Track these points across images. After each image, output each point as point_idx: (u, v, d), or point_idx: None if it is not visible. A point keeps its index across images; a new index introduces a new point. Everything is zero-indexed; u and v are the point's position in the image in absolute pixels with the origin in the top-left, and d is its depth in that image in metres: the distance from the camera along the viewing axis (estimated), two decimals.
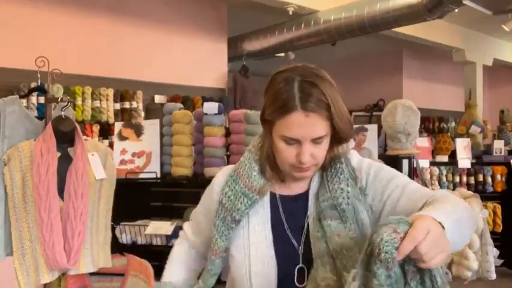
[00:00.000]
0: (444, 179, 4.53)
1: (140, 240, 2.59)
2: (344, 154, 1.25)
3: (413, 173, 3.28)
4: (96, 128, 4.49)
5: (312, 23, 5.74)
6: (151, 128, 2.72)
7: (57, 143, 1.91)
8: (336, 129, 1.18)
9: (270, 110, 1.18)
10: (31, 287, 1.86)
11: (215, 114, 2.47)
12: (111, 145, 3.04)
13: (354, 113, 8.10)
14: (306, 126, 1.14)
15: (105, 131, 4.53)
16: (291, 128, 1.15)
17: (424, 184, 3.56)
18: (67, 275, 1.98)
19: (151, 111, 4.95)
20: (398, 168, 2.99)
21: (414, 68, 8.81)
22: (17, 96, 1.98)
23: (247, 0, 5.35)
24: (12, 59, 4.06)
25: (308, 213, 1.22)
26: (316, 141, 1.16)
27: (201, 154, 2.56)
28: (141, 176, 2.67)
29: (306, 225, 1.21)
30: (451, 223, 0.98)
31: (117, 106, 4.68)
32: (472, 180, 4.65)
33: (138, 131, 2.75)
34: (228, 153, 2.56)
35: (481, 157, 5.18)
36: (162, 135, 2.69)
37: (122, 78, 4.83)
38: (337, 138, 1.21)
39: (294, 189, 1.27)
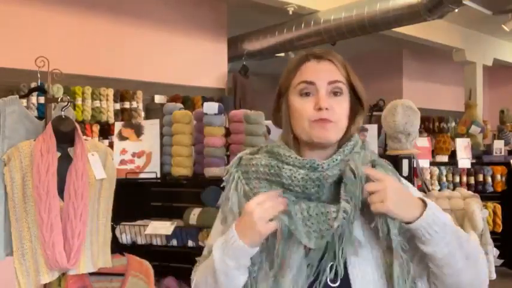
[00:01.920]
0: (444, 179, 4.53)
1: (140, 240, 2.59)
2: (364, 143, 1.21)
3: (413, 173, 3.28)
4: (96, 128, 4.49)
5: (312, 23, 5.74)
6: (151, 128, 2.72)
7: (57, 143, 1.91)
8: (355, 89, 1.16)
9: (285, 75, 1.19)
10: (31, 287, 1.86)
11: (215, 114, 2.47)
12: (111, 145, 3.03)
13: None
14: (321, 69, 1.14)
15: (105, 131, 4.54)
16: (305, 73, 1.15)
17: (424, 184, 3.55)
18: (67, 275, 1.98)
19: (151, 111, 4.95)
20: (399, 168, 2.99)
21: (414, 68, 8.81)
22: (17, 96, 1.98)
23: (247, 0, 5.35)
24: (12, 59, 4.06)
25: None
26: (333, 88, 1.13)
27: (201, 154, 2.56)
28: (141, 176, 2.67)
29: None
30: (440, 217, 1.04)
31: (117, 106, 4.68)
32: (472, 180, 4.65)
33: (138, 131, 2.75)
34: (228, 153, 2.56)
35: (481, 157, 5.18)
36: (162, 135, 2.69)
37: (122, 78, 4.83)
38: (354, 107, 1.17)
39: None
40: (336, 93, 1.14)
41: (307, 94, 1.13)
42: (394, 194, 1.04)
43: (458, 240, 1.08)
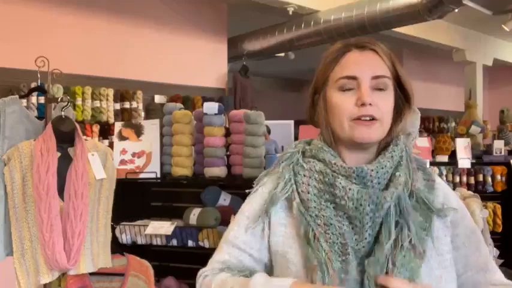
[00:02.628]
0: (444, 179, 4.52)
1: (140, 240, 2.59)
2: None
3: None
4: (96, 128, 4.49)
5: (312, 23, 5.74)
6: (152, 128, 2.72)
7: (57, 143, 1.91)
8: (401, 83, 1.05)
9: (322, 68, 1.07)
10: (31, 287, 1.86)
11: (215, 114, 2.47)
12: (111, 145, 3.03)
13: None
14: (364, 62, 1.03)
15: (105, 131, 4.53)
16: (346, 67, 1.03)
17: None
18: (67, 275, 1.98)
19: (151, 111, 4.95)
20: None
21: (414, 68, 8.80)
22: (17, 96, 1.98)
23: (247, 0, 5.34)
24: (12, 59, 4.05)
25: None
26: (378, 84, 1.02)
27: (201, 154, 2.56)
28: (141, 176, 2.67)
29: None
30: None
31: (117, 106, 4.67)
32: (472, 180, 4.65)
33: (138, 131, 2.75)
34: (228, 153, 2.56)
35: (481, 157, 5.17)
36: (162, 135, 2.69)
37: (122, 78, 4.83)
38: (399, 104, 1.06)
39: None
40: (380, 88, 1.03)
41: (348, 89, 1.03)
42: None
43: None
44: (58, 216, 1.84)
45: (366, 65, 1.03)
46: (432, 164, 4.48)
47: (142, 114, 4.87)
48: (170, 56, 5.34)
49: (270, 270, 1.07)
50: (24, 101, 3.89)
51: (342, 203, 0.98)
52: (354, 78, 1.02)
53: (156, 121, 2.74)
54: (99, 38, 4.78)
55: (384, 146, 1.05)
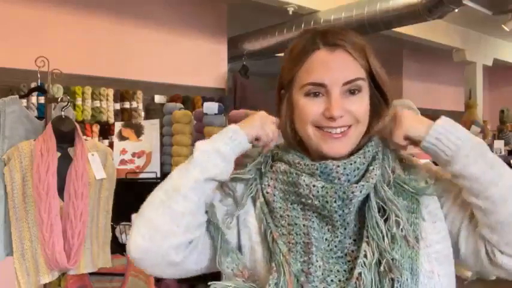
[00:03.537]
0: None
1: None
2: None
3: None
4: (96, 128, 4.49)
5: (312, 23, 5.74)
6: (151, 128, 2.72)
7: (57, 143, 1.91)
8: (376, 80, 0.95)
9: (287, 66, 0.99)
10: (31, 287, 1.86)
11: (215, 114, 2.47)
12: (111, 145, 3.03)
13: None
14: (334, 66, 0.92)
15: (105, 131, 4.53)
16: (314, 70, 0.92)
17: None
18: (67, 275, 1.98)
19: (151, 111, 4.95)
20: None
21: (414, 68, 8.80)
22: (17, 96, 1.99)
23: (247, 0, 5.35)
24: (12, 59, 4.05)
25: None
26: (350, 88, 0.92)
27: None
28: (141, 176, 2.67)
29: None
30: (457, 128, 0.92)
31: (117, 106, 4.67)
32: None
33: (138, 131, 2.75)
34: None
35: None
36: (162, 135, 2.69)
37: (122, 78, 4.83)
38: (375, 102, 0.98)
39: None
40: (353, 91, 0.93)
41: (315, 94, 0.93)
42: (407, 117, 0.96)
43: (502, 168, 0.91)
44: (58, 216, 1.84)
45: (336, 69, 0.92)
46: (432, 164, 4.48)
47: (142, 114, 4.87)
48: (170, 56, 5.34)
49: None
50: (24, 101, 3.88)
51: (309, 202, 0.91)
52: (322, 85, 0.92)
53: (156, 121, 2.74)
54: (99, 38, 4.78)
55: (359, 147, 0.97)
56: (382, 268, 0.87)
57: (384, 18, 5.21)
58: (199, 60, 5.62)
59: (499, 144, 5.30)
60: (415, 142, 0.96)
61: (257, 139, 1.00)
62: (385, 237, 0.89)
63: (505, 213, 0.88)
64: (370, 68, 0.95)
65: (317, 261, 0.90)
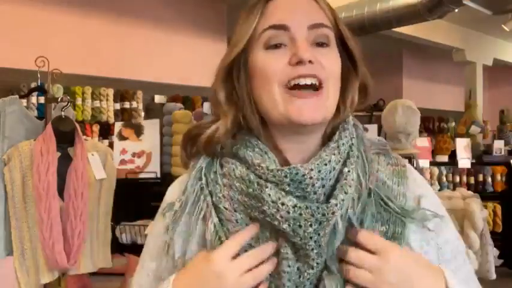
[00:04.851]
0: (444, 179, 4.52)
1: (140, 240, 2.59)
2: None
3: None
4: (96, 128, 4.49)
5: None
6: (152, 128, 2.72)
7: (57, 143, 1.91)
8: (344, 41, 0.77)
9: (239, 24, 0.79)
10: (31, 287, 1.86)
11: None
12: (111, 145, 3.04)
13: (353, 113, 8.11)
14: (296, 7, 0.75)
15: (105, 131, 4.54)
16: (273, 13, 0.75)
17: None
18: (67, 275, 1.98)
19: (151, 111, 4.96)
20: None
21: (414, 68, 8.81)
22: (17, 96, 1.99)
23: (247, 0, 5.35)
24: (12, 59, 4.05)
25: None
26: (317, 36, 0.74)
27: None
28: (141, 176, 2.67)
29: None
30: None
31: (117, 106, 4.68)
32: (472, 180, 4.65)
33: (138, 131, 2.75)
34: None
35: (481, 157, 5.18)
36: (162, 135, 2.69)
37: (122, 78, 4.83)
38: (344, 70, 0.77)
39: None
40: (320, 43, 0.74)
41: (277, 46, 0.74)
42: (394, 277, 0.68)
43: None
44: (58, 216, 1.84)
45: (299, 10, 0.74)
46: (432, 164, 4.48)
47: (142, 114, 4.88)
48: (170, 56, 5.35)
49: None
50: (24, 101, 3.89)
51: (275, 224, 0.69)
52: (284, 27, 0.73)
53: (156, 121, 2.74)
54: (99, 38, 4.79)
55: (330, 132, 0.77)
56: None
57: (384, 18, 5.22)
58: (199, 60, 5.62)
59: (499, 144, 5.30)
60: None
61: None
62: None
63: None
64: (337, 24, 0.78)
65: None
